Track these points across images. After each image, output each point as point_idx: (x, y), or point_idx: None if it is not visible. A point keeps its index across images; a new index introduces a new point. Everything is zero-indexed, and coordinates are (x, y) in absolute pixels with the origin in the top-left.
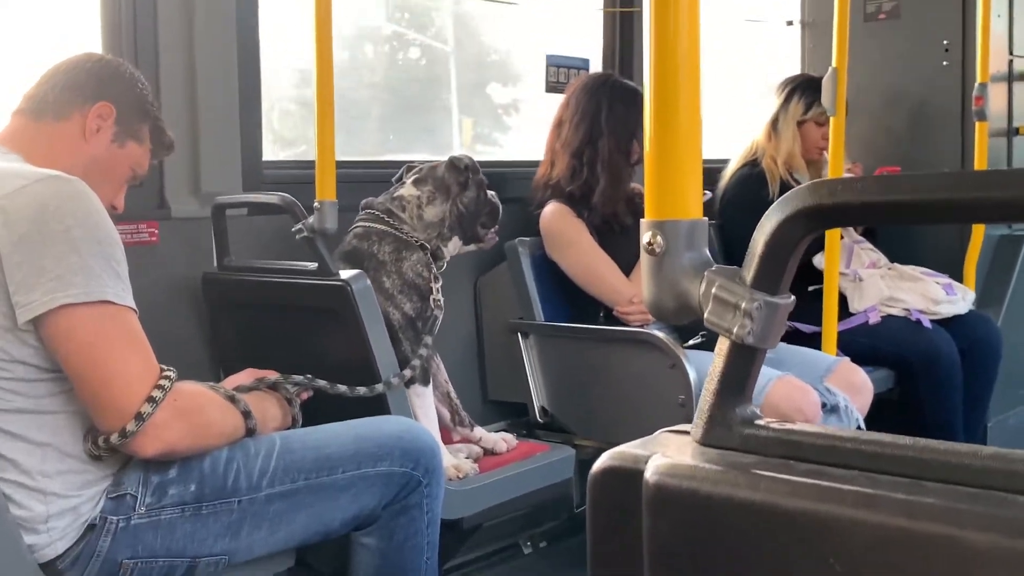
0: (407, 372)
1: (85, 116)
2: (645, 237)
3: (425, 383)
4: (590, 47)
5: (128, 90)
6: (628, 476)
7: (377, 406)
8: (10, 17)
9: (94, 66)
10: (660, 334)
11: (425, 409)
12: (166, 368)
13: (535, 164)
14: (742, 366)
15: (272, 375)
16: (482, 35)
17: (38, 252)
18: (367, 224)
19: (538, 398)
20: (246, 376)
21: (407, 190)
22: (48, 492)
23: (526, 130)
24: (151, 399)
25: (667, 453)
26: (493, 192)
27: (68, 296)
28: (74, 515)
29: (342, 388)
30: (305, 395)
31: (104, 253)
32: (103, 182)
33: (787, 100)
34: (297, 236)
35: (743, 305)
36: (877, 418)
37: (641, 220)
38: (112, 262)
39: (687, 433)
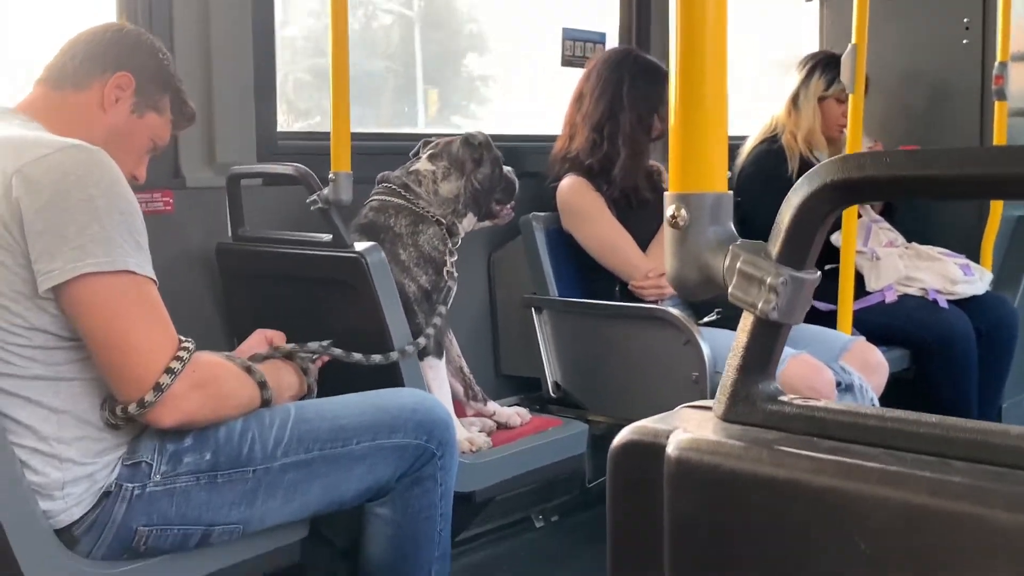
0: (421, 340)
1: (104, 86)
2: (669, 210)
3: (439, 356)
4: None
5: (148, 60)
6: (649, 450)
7: (391, 378)
8: None
9: (114, 36)
10: (675, 311)
11: (439, 382)
12: (185, 339)
13: (551, 139)
14: (766, 342)
15: (280, 336)
16: (453, 3)
17: (60, 221)
18: (384, 198)
19: (551, 373)
20: (256, 339)
21: (423, 165)
22: (64, 458)
23: (504, 102)
24: (170, 370)
25: (689, 428)
26: (510, 168)
27: (89, 265)
28: (90, 482)
29: (357, 356)
30: (320, 363)
31: (125, 223)
32: (123, 152)
33: (808, 76)
34: (312, 207)
35: (768, 280)
36: (892, 398)
37: (665, 193)
38: (133, 232)
39: (708, 409)
